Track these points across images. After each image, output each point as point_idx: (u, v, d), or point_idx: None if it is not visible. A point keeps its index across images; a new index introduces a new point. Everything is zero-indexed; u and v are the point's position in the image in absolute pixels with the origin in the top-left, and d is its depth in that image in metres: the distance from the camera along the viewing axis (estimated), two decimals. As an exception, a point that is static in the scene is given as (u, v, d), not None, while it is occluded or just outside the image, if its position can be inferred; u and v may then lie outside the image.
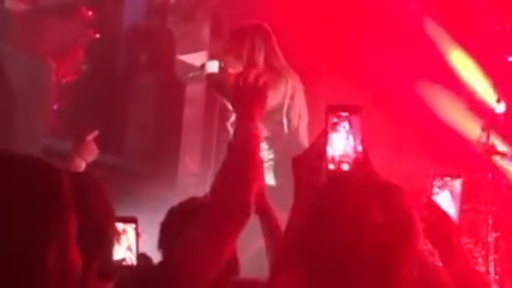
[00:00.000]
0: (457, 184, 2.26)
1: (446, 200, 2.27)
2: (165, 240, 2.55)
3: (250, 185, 2.06)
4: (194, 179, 6.75)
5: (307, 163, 1.88)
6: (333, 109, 1.85)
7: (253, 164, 2.10)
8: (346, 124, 1.83)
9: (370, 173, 1.77)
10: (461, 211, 5.94)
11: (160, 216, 2.63)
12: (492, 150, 5.27)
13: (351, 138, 1.82)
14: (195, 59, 7.40)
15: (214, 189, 2.12)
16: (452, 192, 2.27)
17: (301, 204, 1.82)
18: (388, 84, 6.86)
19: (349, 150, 1.82)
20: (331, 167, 1.81)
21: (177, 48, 7.16)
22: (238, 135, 2.17)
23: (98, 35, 7.29)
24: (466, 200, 5.92)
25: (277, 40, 5.17)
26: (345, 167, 1.80)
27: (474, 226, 5.87)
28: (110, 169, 5.99)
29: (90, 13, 7.35)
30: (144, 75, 6.79)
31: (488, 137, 5.30)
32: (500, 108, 5.48)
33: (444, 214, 2.17)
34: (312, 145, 1.91)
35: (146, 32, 6.89)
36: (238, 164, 2.09)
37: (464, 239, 5.78)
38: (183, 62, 7.26)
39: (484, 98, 6.50)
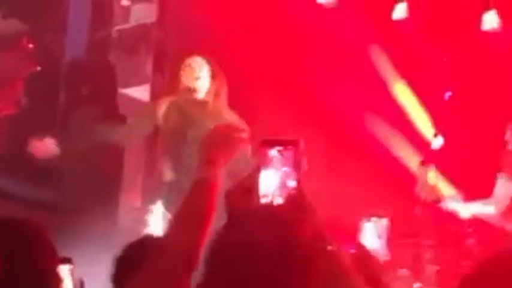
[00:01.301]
0: (384, 223, 2.31)
1: (374, 237, 2.32)
2: (117, 282, 2.53)
3: (202, 237, 2.00)
4: (135, 214, 6.67)
5: (239, 196, 1.88)
6: (267, 143, 1.85)
7: (207, 215, 2.02)
8: (280, 159, 1.82)
9: (301, 206, 1.78)
10: (402, 245, 6.00)
11: (101, 255, 2.58)
12: (435, 196, 5.38)
13: (285, 172, 1.82)
14: (138, 92, 7.38)
15: (168, 230, 2.07)
16: (379, 230, 2.32)
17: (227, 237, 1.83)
18: (331, 112, 6.94)
19: (283, 185, 1.81)
20: (263, 201, 1.81)
21: (120, 81, 7.12)
22: (196, 184, 2.06)
23: (38, 68, 7.18)
24: (406, 234, 6.02)
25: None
26: (278, 201, 1.80)
27: (414, 259, 5.95)
28: (46, 205, 5.89)
29: (30, 45, 7.23)
30: (84, 108, 6.71)
31: (425, 172, 5.38)
32: (437, 143, 5.58)
33: (371, 255, 2.20)
34: (244, 178, 1.92)
35: (88, 65, 6.83)
36: (192, 214, 2.03)
37: (405, 272, 5.85)
38: (126, 96, 7.22)
39: (423, 131, 6.63)
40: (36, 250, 2.03)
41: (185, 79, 4.91)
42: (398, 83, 7.31)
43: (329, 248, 1.80)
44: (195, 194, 2.05)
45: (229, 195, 1.90)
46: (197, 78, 4.90)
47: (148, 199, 6.55)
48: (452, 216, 5.58)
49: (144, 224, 6.20)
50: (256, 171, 1.84)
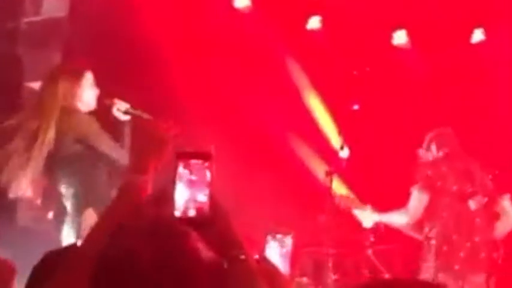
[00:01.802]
0: (288, 240, 2.37)
1: (278, 254, 2.37)
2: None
3: None
4: (33, 213, 6.49)
5: (152, 207, 1.85)
6: (182, 156, 1.85)
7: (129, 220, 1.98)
8: (194, 171, 1.84)
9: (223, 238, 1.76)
10: (304, 253, 6.05)
11: None
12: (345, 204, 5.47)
13: (197, 186, 1.83)
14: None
15: (87, 236, 1.99)
16: (283, 247, 2.37)
17: None
18: (241, 122, 6.96)
19: (193, 199, 1.83)
20: (177, 213, 1.82)
21: (27, 75, 6.90)
22: (123, 188, 1.99)
23: None
24: (309, 243, 6.08)
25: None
26: (191, 214, 1.82)
27: (316, 268, 6.02)
28: None
29: None
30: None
31: (331, 182, 5.46)
32: (343, 153, 5.68)
33: (275, 269, 2.21)
34: (159, 190, 1.90)
35: (-7, 57, 6.61)
36: (110, 220, 1.95)
37: (307, 280, 5.91)
38: (32, 89, 7.01)
39: (331, 142, 6.73)
40: None
41: (74, 91, 4.61)
42: (310, 94, 7.40)
43: (242, 257, 1.82)
44: (122, 199, 1.99)
45: (140, 206, 1.87)
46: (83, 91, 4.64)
47: (47, 199, 6.38)
48: (354, 226, 5.68)
49: (44, 222, 6.04)
50: (171, 183, 1.83)
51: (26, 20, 7.12)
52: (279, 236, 2.44)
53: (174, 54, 6.93)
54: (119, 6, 6.85)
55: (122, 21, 6.79)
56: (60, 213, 4.71)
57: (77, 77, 4.62)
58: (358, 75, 6.81)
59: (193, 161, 1.85)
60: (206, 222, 1.78)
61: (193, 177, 1.84)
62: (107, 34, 6.76)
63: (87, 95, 4.67)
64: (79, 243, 2.47)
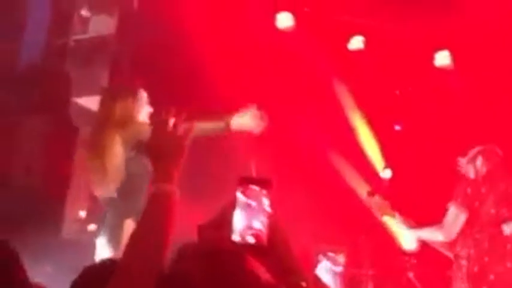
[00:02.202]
0: (341, 258, 2.33)
1: (331, 272, 2.33)
2: None
3: (161, 255, 1.91)
4: (79, 225, 6.59)
5: (210, 231, 1.87)
6: (244, 181, 1.86)
7: (166, 233, 1.92)
8: (252, 197, 1.84)
9: (278, 254, 1.78)
10: (345, 275, 6.03)
11: (46, 267, 2.53)
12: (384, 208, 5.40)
13: (256, 212, 1.84)
14: (92, 102, 7.30)
15: (123, 254, 1.95)
16: (335, 265, 2.33)
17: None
18: (285, 140, 6.99)
19: (253, 225, 1.83)
20: (236, 238, 1.82)
21: (74, 90, 7.04)
22: (153, 200, 1.95)
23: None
24: (348, 264, 6.07)
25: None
26: (250, 240, 1.81)
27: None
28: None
29: (-16, 48, 7.14)
30: (36, 115, 6.62)
31: (373, 202, 5.44)
32: (386, 174, 5.66)
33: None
34: (218, 214, 1.91)
35: (42, 72, 6.75)
36: (150, 234, 1.93)
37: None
38: (79, 105, 7.15)
39: (374, 163, 6.71)
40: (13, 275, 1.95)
41: (130, 110, 4.72)
42: (354, 114, 7.39)
43: (303, 284, 1.81)
44: (153, 210, 1.95)
45: (201, 229, 1.89)
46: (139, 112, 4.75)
47: (94, 212, 6.48)
48: (395, 248, 5.65)
49: (87, 235, 6.13)
50: (230, 207, 1.84)
51: (74, 37, 7.27)
52: (331, 254, 2.38)
53: (219, 74, 7.01)
54: (166, 25, 6.96)
55: (168, 39, 6.89)
56: (101, 224, 4.79)
57: (132, 96, 4.71)
58: (401, 96, 6.81)
59: (252, 187, 1.85)
60: (264, 248, 1.80)
61: (252, 204, 1.84)
62: (153, 52, 6.87)
63: (141, 113, 4.76)
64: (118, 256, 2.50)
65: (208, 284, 1.62)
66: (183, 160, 2.00)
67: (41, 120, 6.68)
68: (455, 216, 5.12)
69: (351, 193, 6.92)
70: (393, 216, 5.31)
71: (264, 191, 1.86)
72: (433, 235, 5.26)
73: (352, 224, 6.25)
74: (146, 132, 4.45)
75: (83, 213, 6.90)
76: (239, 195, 1.85)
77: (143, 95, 4.71)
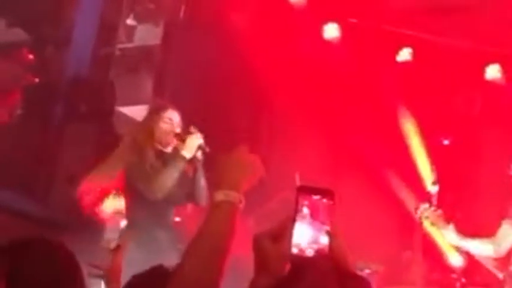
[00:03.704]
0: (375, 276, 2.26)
1: None
2: None
3: (221, 265, 1.85)
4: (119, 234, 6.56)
5: (269, 242, 1.79)
6: (304, 191, 1.74)
7: (228, 243, 1.87)
8: (313, 208, 1.73)
9: (336, 261, 1.69)
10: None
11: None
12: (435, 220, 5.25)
13: (318, 225, 1.73)
14: (136, 111, 7.31)
15: (182, 261, 1.87)
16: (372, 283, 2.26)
17: (259, 285, 1.73)
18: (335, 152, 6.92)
19: (316, 238, 1.72)
20: (294, 250, 1.72)
21: (118, 99, 7.06)
22: (217, 208, 1.89)
23: (37, 79, 7.12)
24: (394, 280, 5.91)
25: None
26: (310, 254, 1.72)
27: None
28: (31, 218, 5.79)
29: (31, 56, 7.19)
30: (81, 124, 6.63)
31: (421, 218, 5.32)
32: (433, 189, 5.53)
33: None
34: (277, 224, 1.82)
35: (88, 82, 6.77)
36: (212, 242, 1.87)
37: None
38: (123, 114, 7.15)
39: (423, 178, 6.59)
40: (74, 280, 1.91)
41: (163, 131, 4.90)
42: (406, 127, 7.27)
43: None
44: (217, 218, 1.89)
45: (259, 239, 1.80)
46: (174, 133, 4.90)
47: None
48: (444, 265, 5.52)
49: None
50: (290, 218, 1.74)
51: (119, 46, 7.29)
52: (367, 271, 2.33)
53: (265, 84, 6.97)
54: (212, 37, 6.95)
55: (214, 51, 6.87)
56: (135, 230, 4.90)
57: (171, 122, 4.87)
58: (449, 109, 6.69)
59: (314, 197, 1.73)
60: (324, 262, 1.69)
61: (313, 214, 1.73)
62: (198, 63, 6.86)
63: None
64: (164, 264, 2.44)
65: None
66: (253, 179, 1.96)
67: (87, 129, 6.69)
68: (508, 234, 5.00)
69: (399, 207, 6.79)
70: (446, 227, 5.16)
71: (327, 202, 1.74)
72: (483, 248, 5.12)
73: (396, 239, 6.12)
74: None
75: (123, 223, 6.88)
76: (301, 205, 1.73)
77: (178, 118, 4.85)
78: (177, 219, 5.83)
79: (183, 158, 4.76)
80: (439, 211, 5.15)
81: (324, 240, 1.71)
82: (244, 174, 1.95)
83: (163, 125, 4.92)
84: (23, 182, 6.39)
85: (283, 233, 1.74)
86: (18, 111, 7.06)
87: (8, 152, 6.52)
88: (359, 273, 2.00)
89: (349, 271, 1.63)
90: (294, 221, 1.73)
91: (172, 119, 4.96)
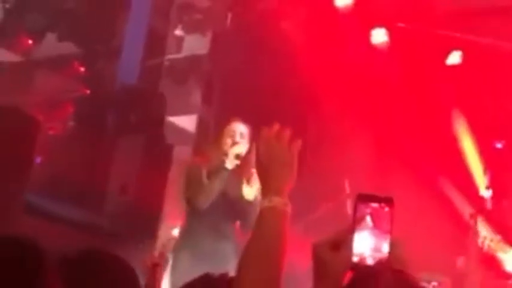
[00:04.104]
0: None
1: None
2: None
3: (278, 272, 1.85)
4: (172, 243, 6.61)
5: (328, 250, 1.78)
6: (363, 199, 1.73)
7: (281, 248, 1.87)
8: (375, 217, 1.71)
9: (398, 272, 1.66)
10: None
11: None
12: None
13: (380, 233, 1.71)
14: (185, 121, 7.38)
15: (238, 273, 1.88)
16: None
17: None
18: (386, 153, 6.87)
19: (377, 247, 1.70)
20: (355, 259, 1.70)
21: (168, 109, 7.13)
22: (265, 214, 1.90)
23: (88, 91, 7.24)
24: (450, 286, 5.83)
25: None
26: (370, 262, 1.70)
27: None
28: (87, 228, 5.87)
29: (82, 69, 7.32)
30: (132, 135, 6.72)
31: (475, 223, 5.23)
32: (487, 194, 5.44)
33: None
34: (336, 232, 1.81)
35: (138, 93, 6.85)
36: (265, 249, 1.87)
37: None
38: (172, 124, 7.22)
39: (477, 183, 6.48)
40: None
41: (227, 145, 4.96)
42: (466, 137, 7.16)
43: None
44: (266, 224, 1.89)
45: (318, 248, 1.80)
46: (238, 145, 4.95)
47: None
48: (500, 271, 5.40)
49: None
50: (350, 226, 1.72)
51: (168, 57, 7.37)
52: (434, 283, 2.30)
53: (318, 92, 6.96)
54: (259, 44, 6.97)
55: (261, 59, 6.89)
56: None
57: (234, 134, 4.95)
58: (502, 112, 6.57)
59: (373, 205, 1.72)
60: (388, 274, 1.67)
61: (375, 223, 1.71)
62: (246, 71, 6.88)
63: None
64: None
65: None
66: (294, 176, 1.94)
67: (137, 140, 6.77)
68: None
69: (454, 214, 6.68)
70: (496, 239, 5.08)
71: (387, 209, 1.72)
72: None
73: (452, 246, 6.02)
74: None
75: (175, 231, 6.94)
76: (361, 213, 1.70)
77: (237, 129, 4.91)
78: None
79: (226, 169, 4.79)
80: (499, 237, 5.06)
81: (386, 249, 1.69)
82: (284, 175, 1.94)
83: (227, 139, 4.97)
84: (78, 192, 6.50)
85: (343, 241, 1.73)
86: (71, 123, 7.19)
87: (63, 164, 6.64)
88: (425, 285, 1.98)
89: (414, 283, 1.60)
90: (354, 229, 1.72)
91: (235, 131, 5.02)
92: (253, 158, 4.74)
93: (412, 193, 6.68)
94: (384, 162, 7.15)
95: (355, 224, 1.71)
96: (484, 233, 5.11)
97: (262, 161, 1.97)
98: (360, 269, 1.67)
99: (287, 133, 1.98)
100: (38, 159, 6.62)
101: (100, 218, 6.36)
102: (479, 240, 5.07)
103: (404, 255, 1.73)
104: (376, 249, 1.70)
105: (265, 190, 1.93)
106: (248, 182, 4.82)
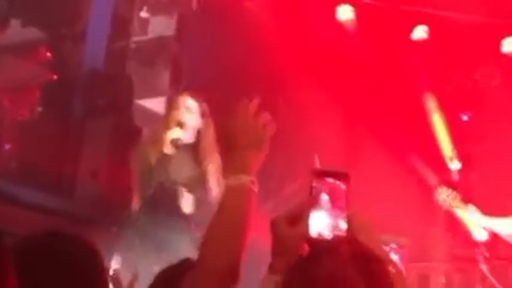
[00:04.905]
0: (402, 250, 2.27)
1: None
2: None
3: (241, 248, 1.87)
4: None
5: (286, 225, 1.80)
6: (319, 174, 1.75)
7: (245, 226, 1.87)
8: (331, 193, 1.73)
9: (354, 244, 1.68)
10: (414, 268, 5.91)
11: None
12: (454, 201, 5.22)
13: (336, 210, 1.73)
14: (154, 104, 7.35)
15: (201, 249, 1.90)
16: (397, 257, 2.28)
17: (277, 268, 1.76)
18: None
19: (334, 224, 1.73)
20: (313, 235, 1.73)
21: (135, 92, 7.10)
22: (231, 191, 1.88)
23: (55, 77, 7.18)
24: (419, 258, 5.93)
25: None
26: (329, 237, 1.72)
27: (427, 284, 5.86)
28: (57, 214, 5.86)
29: (48, 54, 7.25)
30: (100, 119, 6.68)
31: (442, 194, 5.30)
32: (455, 165, 5.52)
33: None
34: (293, 207, 1.82)
35: (105, 76, 6.81)
36: (229, 226, 1.87)
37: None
38: (141, 107, 7.19)
39: (444, 155, 6.57)
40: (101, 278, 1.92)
41: (174, 118, 4.78)
42: (436, 111, 7.22)
43: (392, 270, 1.69)
44: (232, 201, 1.88)
45: (276, 222, 1.79)
46: (185, 119, 4.78)
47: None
48: (467, 240, 5.50)
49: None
50: (306, 201, 1.75)
51: (134, 39, 7.32)
52: (393, 245, 2.34)
53: (286, 71, 6.98)
54: (226, 24, 6.96)
55: (229, 39, 6.88)
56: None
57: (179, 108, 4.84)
58: (466, 85, 6.64)
59: (329, 180, 1.73)
60: (343, 247, 1.68)
61: (331, 198, 1.73)
62: (213, 52, 6.87)
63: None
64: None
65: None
66: (263, 155, 1.93)
67: (106, 124, 6.74)
68: None
69: (422, 185, 6.76)
70: (465, 208, 5.14)
71: (343, 185, 1.74)
72: (509, 227, 5.07)
73: (421, 216, 6.11)
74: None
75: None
76: (317, 189, 1.73)
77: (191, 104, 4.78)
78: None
79: (165, 155, 4.68)
80: (455, 193, 5.11)
81: (342, 224, 1.72)
82: (253, 152, 1.91)
83: (173, 112, 4.84)
84: (48, 178, 6.47)
85: (300, 216, 1.75)
86: (39, 109, 7.14)
87: (32, 150, 6.60)
88: (384, 248, 2.02)
89: (370, 255, 1.62)
90: (310, 203, 1.74)
91: (182, 105, 4.84)
92: (209, 135, 4.72)
93: (382, 167, 6.76)
94: (353, 137, 7.21)
95: (311, 199, 1.73)
96: (441, 189, 5.16)
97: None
98: (317, 244, 1.70)
99: (264, 114, 1.97)
100: (7, 146, 6.58)
101: (71, 203, 6.34)
102: (436, 195, 5.11)
103: (366, 224, 1.76)
104: (333, 225, 1.72)
105: (232, 167, 1.91)
106: (204, 161, 4.72)
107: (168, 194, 4.75)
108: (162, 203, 4.79)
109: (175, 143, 4.66)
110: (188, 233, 4.68)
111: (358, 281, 1.54)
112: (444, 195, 5.10)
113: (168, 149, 4.67)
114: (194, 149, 4.76)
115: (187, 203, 4.65)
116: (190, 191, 4.72)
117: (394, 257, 2.17)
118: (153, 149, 4.77)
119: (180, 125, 4.70)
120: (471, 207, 5.13)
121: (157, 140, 4.80)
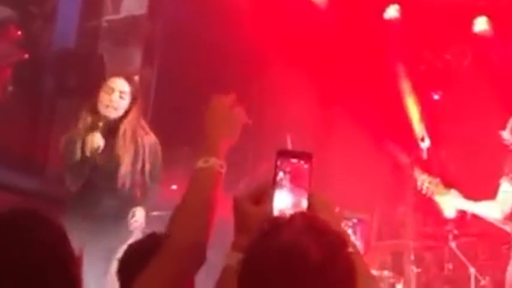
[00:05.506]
0: (365, 224, 2.31)
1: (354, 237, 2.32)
2: (124, 280, 2.53)
3: (208, 227, 1.91)
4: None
5: (249, 203, 1.82)
6: (282, 154, 1.78)
7: (212, 205, 1.92)
8: (294, 172, 1.77)
9: (309, 218, 1.69)
10: (385, 246, 5.98)
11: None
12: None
13: (298, 189, 1.76)
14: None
15: (170, 226, 1.95)
16: (360, 231, 2.32)
17: (240, 245, 1.77)
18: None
19: (296, 203, 1.76)
20: (275, 213, 1.76)
21: (108, 72, 7.04)
22: (199, 174, 1.93)
23: (26, 55, 7.11)
24: (389, 235, 5.99)
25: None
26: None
27: (397, 261, 5.93)
28: (29, 194, 5.83)
29: (19, 32, 7.17)
30: (71, 99, 6.64)
31: (413, 172, 5.34)
32: (425, 144, 5.56)
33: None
34: (256, 186, 1.84)
35: (76, 55, 6.76)
36: (197, 205, 1.93)
37: (388, 274, 5.83)
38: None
39: (416, 134, 6.62)
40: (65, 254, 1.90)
41: (103, 100, 4.76)
42: (401, 84, 7.27)
43: (351, 250, 1.71)
44: (199, 183, 1.94)
45: (238, 201, 1.83)
46: (116, 100, 4.75)
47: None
48: (437, 218, 5.56)
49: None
50: (269, 181, 1.78)
51: (106, 18, 7.26)
52: (354, 220, 2.38)
53: (259, 51, 6.97)
54: (199, 3, 6.92)
55: (202, 18, 6.85)
56: None
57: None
58: (438, 64, 6.68)
59: (293, 160, 1.76)
60: (299, 220, 1.71)
61: (293, 178, 1.76)
62: (186, 31, 6.84)
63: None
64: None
65: (321, 259, 1.56)
66: (233, 138, 1.99)
67: (77, 103, 6.70)
68: (508, 192, 4.96)
69: (392, 164, 6.83)
70: (448, 193, 5.14)
71: (306, 165, 1.77)
72: (490, 210, 5.07)
73: (392, 193, 6.18)
74: None
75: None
76: (281, 169, 1.76)
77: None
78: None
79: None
80: (437, 179, 5.13)
81: (304, 204, 1.75)
82: (224, 137, 1.97)
83: (104, 96, 4.78)
84: (20, 158, 6.43)
85: (264, 195, 1.78)
86: (10, 88, 7.07)
87: (3, 130, 6.54)
88: (344, 227, 2.05)
89: (326, 227, 1.65)
90: (274, 183, 1.76)
91: (114, 88, 4.78)
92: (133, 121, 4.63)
93: (354, 146, 6.81)
94: (326, 117, 7.25)
95: (275, 179, 1.75)
96: (423, 176, 5.19)
97: (208, 127, 1.98)
98: (275, 219, 1.72)
99: (231, 96, 2.02)
100: (-23, 126, 6.53)
101: (42, 182, 6.32)
102: (418, 184, 5.14)
103: (326, 203, 1.79)
104: (295, 204, 1.76)
105: (203, 151, 1.96)
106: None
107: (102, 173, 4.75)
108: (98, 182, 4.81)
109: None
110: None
111: (314, 250, 1.56)
112: (427, 183, 5.12)
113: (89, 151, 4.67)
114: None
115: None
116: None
117: (354, 231, 2.23)
118: (80, 138, 4.74)
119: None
120: (454, 192, 5.15)
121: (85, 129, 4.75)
